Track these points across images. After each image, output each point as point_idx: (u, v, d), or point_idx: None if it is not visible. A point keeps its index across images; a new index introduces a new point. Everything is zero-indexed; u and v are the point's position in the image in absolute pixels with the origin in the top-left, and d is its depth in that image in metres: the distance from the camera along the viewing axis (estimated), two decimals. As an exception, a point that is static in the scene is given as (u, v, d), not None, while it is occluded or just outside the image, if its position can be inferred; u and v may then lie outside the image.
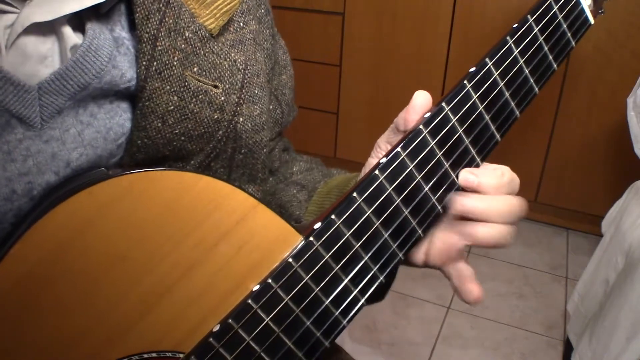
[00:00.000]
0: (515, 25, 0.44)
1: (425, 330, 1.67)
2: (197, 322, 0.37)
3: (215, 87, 0.46)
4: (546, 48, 0.45)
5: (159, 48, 0.42)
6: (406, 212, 0.41)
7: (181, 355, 0.38)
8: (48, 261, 0.34)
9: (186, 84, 0.44)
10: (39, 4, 0.37)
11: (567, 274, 1.94)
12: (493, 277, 1.90)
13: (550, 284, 1.88)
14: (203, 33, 0.45)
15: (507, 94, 0.44)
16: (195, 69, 0.45)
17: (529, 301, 1.80)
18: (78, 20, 0.40)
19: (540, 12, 0.45)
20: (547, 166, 2.06)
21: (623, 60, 1.82)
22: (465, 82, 0.42)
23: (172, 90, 0.43)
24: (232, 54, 0.48)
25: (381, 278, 0.41)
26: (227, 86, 0.47)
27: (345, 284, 0.40)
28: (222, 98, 0.46)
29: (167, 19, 0.43)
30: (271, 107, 0.54)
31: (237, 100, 0.47)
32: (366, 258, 0.40)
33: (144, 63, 0.42)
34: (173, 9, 0.43)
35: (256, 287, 0.38)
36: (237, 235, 0.38)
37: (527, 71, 0.45)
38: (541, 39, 0.45)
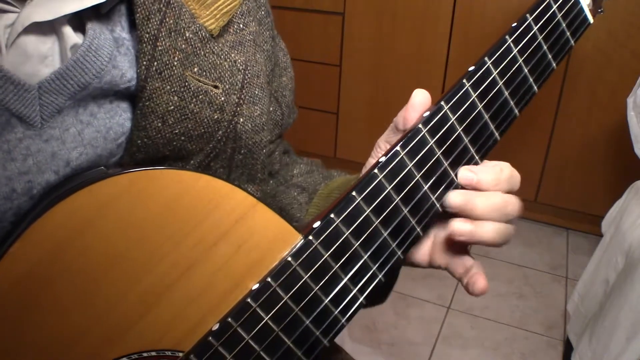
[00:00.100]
0: (514, 24, 0.44)
1: (425, 330, 1.67)
2: (196, 321, 0.38)
3: (216, 87, 0.46)
4: (545, 47, 0.46)
5: (160, 48, 0.42)
6: (405, 210, 0.41)
7: (181, 354, 0.38)
8: (47, 260, 0.34)
9: (186, 84, 0.44)
10: (39, 3, 0.37)
11: (567, 274, 1.94)
12: (493, 277, 1.90)
13: (550, 284, 1.88)
14: (203, 33, 0.45)
15: (506, 93, 0.44)
16: (195, 69, 0.45)
17: (529, 301, 1.80)
18: (78, 21, 0.40)
19: (539, 11, 0.45)
20: (547, 166, 2.06)
21: (623, 60, 1.82)
22: (464, 81, 0.42)
23: (173, 90, 0.43)
24: (233, 55, 0.48)
25: (380, 276, 0.41)
26: (227, 86, 0.47)
27: (345, 283, 0.40)
28: (222, 98, 0.46)
29: (167, 19, 0.43)
30: (271, 108, 0.54)
31: (237, 100, 0.47)
32: (365, 257, 0.40)
33: (145, 63, 0.42)
34: (173, 9, 0.43)
35: (255, 286, 0.38)
36: (237, 234, 0.38)
37: (526, 70, 0.45)
38: (540, 37, 0.45)
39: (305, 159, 0.64)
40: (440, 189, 0.42)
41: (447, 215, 0.44)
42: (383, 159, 0.40)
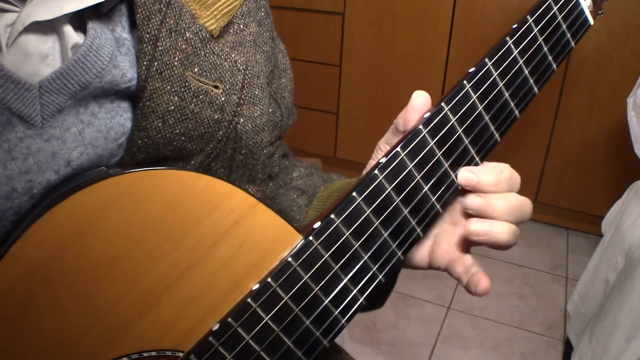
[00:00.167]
0: (515, 25, 0.44)
1: (425, 330, 1.67)
2: (196, 321, 0.38)
3: (216, 87, 0.46)
4: (545, 48, 0.46)
5: (160, 48, 0.42)
6: (405, 211, 0.41)
7: (181, 354, 0.38)
8: (48, 260, 0.34)
9: (187, 84, 0.44)
10: (40, 2, 0.37)
11: (567, 274, 1.94)
12: (493, 277, 1.90)
13: (550, 284, 1.88)
14: (204, 34, 0.45)
15: (506, 94, 0.44)
16: (195, 70, 0.45)
17: (529, 301, 1.80)
18: (79, 20, 0.40)
19: (539, 12, 0.45)
20: (547, 166, 2.06)
21: (623, 60, 1.82)
22: (465, 82, 0.42)
23: (173, 90, 0.43)
24: (233, 55, 0.48)
25: (380, 277, 0.41)
26: (227, 87, 0.47)
27: (345, 284, 0.40)
28: (223, 98, 0.46)
29: (168, 19, 0.43)
30: (270, 110, 0.54)
31: (237, 100, 0.47)
32: (365, 257, 0.40)
33: (145, 63, 0.42)
34: (174, 9, 0.43)
35: (256, 286, 0.38)
36: (237, 235, 0.38)
37: (526, 71, 0.45)
38: (541, 39, 0.45)
39: (304, 163, 0.64)
40: (441, 190, 0.42)
41: (448, 214, 0.44)
42: (383, 159, 0.40)
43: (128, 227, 0.35)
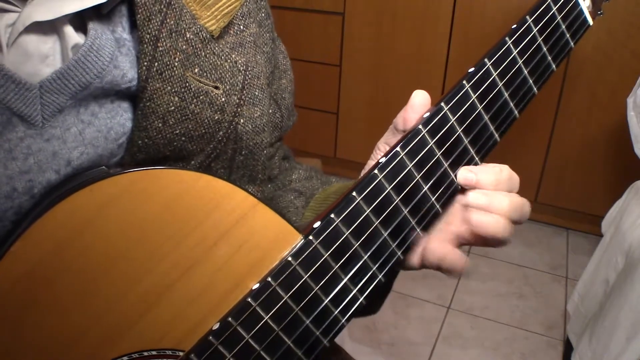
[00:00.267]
0: (514, 25, 0.44)
1: (425, 330, 1.67)
2: (196, 321, 0.38)
3: (216, 88, 0.46)
4: (545, 49, 0.46)
5: (160, 49, 0.42)
6: (405, 211, 0.41)
7: (181, 354, 0.38)
8: (48, 260, 0.34)
9: (187, 84, 0.44)
10: (40, 3, 0.37)
11: (567, 274, 1.94)
12: (493, 277, 1.90)
13: (550, 284, 1.88)
14: (204, 34, 0.45)
15: (506, 94, 0.44)
16: (196, 70, 0.45)
17: (529, 301, 1.80)
18: (80, 21, 0.40)
19: (539, 13, 0.45)
20: (547, 166, 2.07)
21: (623, 60, 1.82)
22: (464, 82, 0.42)
23: (173, 90, 0.43)
24: (233, 56, 0.48)
25: (380, 277, 0.41)
26: (227, 87, 0.47)
27: (345, 283, 0.40)
28: (223, 99, 0.46)
29: (168, 20, 0.43)
30: (270, 111, 0.55)
31: (237, 101, 0.47)
32: (365, 257, 0.40)
33: (145, 64, 0.42)
34: (174, 10, 0.44)
35: (256, 286, 0.38)
36: (237, 234, 0.38)
37: (526, 71, 0.45)
38: (540, 39, 0.45)
39: (304, 165, 0.64)
40: (440, 190, 0.42)
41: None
42: (383, 159, 0.40)
43: (128, 226, 0.35)
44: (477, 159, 0.44)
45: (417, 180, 0.41)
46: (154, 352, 0.37)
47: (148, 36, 0.42)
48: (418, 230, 0.42)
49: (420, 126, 0.41)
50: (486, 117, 0.43)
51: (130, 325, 0.36)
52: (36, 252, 0.34)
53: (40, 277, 0.34)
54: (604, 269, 1.35)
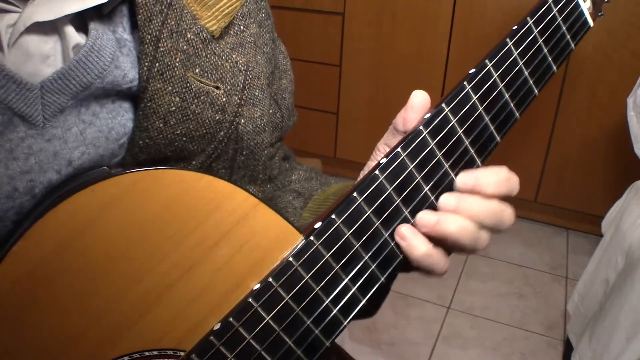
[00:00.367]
0: (515, 27, 0.44)
1: (425, 330, 1.67)
2: (197, 321, 0.38)
3: (217, 88, 0.46)
4: (545, 50, 0.46)
5: (161, 49, 0.42)
6: (406, 212, 0.41)
7: (182, 354, 0.38)
8: (49, 260, 0.34)
9: (188, 85, 0.44)
10: (41, 3, 0.37)
11: (567, 274, 1.94)
12: (493, 277, 1.91)
13: (550, 284, 1.89)
14: (205, 35, 0.45)
15: (506, 96, 0.44)
16: (197, 70, 0.45)
17: (529, 301, 1.80)
18: (81, 21, 0.41)
19: (539, 14, 0.45)
20: (547, 166, 2.07)
21: (623, 60, 1.82)
22: (465, 83, 0.42)
23: (174, 91, 0.43)
24: (234, 56, 0.48)
25: (381, 278, 0.41)
26: (228, 87, 0.47)
27: (346, 284, 0.40)
28: (224, 99, 0.46)
29: (169, 20, 0.43)
30: (271, 111, 0.55)
31: (238, 101, 0.48)
32: (366, 258, 0.40)
33: (146, 64, 0.42)
34: (175, 10, 0.44)
35: (257, 286, 0.38)
36: (238, 235, 0.38)
37: (526, 73, 0.45)
38: (541, 41, 0.45)
39: (305, 166, 0.64)
40: (441, 191, 0.42)
41: None
42: (384, 160, 0.40)
43: (129, 226, 0.35)
44: (477, 159, 0.44)
45: (418, 181, 0.41)
46: (155, 352, 0.37)
47: (149, 37, 0.42)
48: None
49: (421, 127, 0.41)
50: (487, 118, 0.43)
51: (131, 325, 0.36)
52: (37, 252, 0.34)
53: (41, 277, 0.34)
54: (604, 269, 1.35)
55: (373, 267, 0.41)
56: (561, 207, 2.12)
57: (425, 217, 0.41)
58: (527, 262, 1.98)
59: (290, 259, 0.38)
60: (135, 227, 0.36)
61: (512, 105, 0.45)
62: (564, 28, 0.46)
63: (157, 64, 0.42)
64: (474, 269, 1.93)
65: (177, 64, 0.43)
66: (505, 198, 0.43)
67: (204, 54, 0.45)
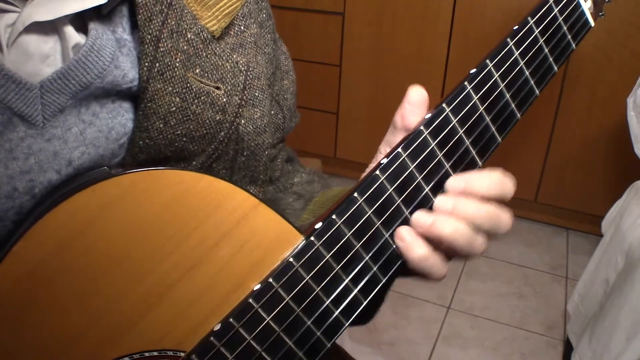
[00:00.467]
0: (516, 27, 0.44)
1: (425, 330, 1.67)
2: (198, 322, 0.38)
3: (217, 88, 0.46)
4: (546, 50, 0.46)
5: (161, 49, 0.42)
6: (407, 212, 0.41)
7: (182, 354, 0.38)
8: (49, 260, 0.34)
9: (188, 85, 0.44)
10: (40, 3, 0.37)
11: (567, 274, 1.94)
12: (493, 277, 1.91)
13: (550, 284, 1.89)
14: (205, 35, 0.45)
15: (507, 96, 0.44)
16: (197, 71, 0.45)
17: (529, 301, 1.80)
18: (80, 21, 0.40)
19: (540, 14, 0.45)
20: (547, 166, 2.07)
21: (623, 60, 1.82)
22: (466, 83, 0.42)
23: (174, 91, 0.43)
24: (234, 56, 0.48)
25: (382, 279, 0.41)
26: (229, 88, 0.47)
27: (346, 284, 0.40)
28: (224, 99, 0.46)
29: (169, 20, 0.43)
30: (272, 112, 0.54)
31: (239, 102, 0.47)
32: (367, 258, 0.40)
33: (146, 64, 0.42)
34: (175, 10, 0.43)
35: (257, 287, 0.38)
36: (238, 235, 0.38)
37: (527, 73, 0.45)
38: (541, 41, 0.45)
39: (307, 169, 0.64)
40: (442, 191, 0.42)
41: None
42: (385, 160, 0.40)
43: (129, 227, 0.35)
44: (478, 160, 0.44)
45: (419, 181, 0.41)
46: (155, 353, 0.37)
47: (149, 37, 0.42)
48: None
49: (422, 127, 0.41)
50: (488, 119, 0.43)
51: (131, 325, 0.36)
52: (37, 252, 0.34)
53: (41, 277, 0.34)
54: (604, 269, 1.35)
55: (374, 268, 0.41)
56: (561, 207, 2.12)
57: (421, 217, 0.41)
58: (527, 262, 1.98)
59: (291, 259, 0.38)
60: (135, 227, 0.36)
61: (513, 105, 0.44)
62: (565, 28, 0.46)
63: (157, 64, 0.42)
64: (474, 269, 1.93)
65: (177, 64, 0.43)
66: (502, 201, 0.42)
67: (204, 54, 0.45)
